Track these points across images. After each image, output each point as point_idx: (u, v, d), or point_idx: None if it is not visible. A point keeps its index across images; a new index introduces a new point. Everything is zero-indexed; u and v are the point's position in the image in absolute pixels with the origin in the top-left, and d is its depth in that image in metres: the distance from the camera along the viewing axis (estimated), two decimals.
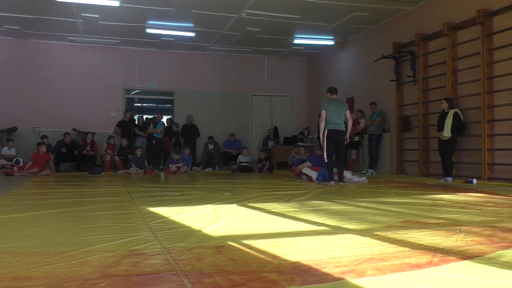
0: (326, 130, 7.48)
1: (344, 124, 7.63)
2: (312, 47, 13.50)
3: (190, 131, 13.36)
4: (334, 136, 7.47)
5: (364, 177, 8.22)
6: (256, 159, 12.89)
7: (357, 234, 3.03)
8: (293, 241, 2.84)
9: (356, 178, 8.06)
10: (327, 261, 2.29)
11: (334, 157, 7.62)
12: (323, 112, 7.52)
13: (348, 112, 7.70)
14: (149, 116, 14.00)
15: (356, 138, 11.25)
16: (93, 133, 12.27)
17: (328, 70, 13.76)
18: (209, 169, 12.84)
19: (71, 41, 12.66)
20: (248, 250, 2.58)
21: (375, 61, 10.77)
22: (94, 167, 11.45)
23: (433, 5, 9.32)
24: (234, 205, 4.72)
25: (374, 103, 10.64)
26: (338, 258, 2.35)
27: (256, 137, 14.68)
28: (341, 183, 7.49)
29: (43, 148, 10.73)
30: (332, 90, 7.83)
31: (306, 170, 8.56)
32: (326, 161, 7.54)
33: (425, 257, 2.37)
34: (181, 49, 13.64)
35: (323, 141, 7.51)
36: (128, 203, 5.03)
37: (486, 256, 2.40)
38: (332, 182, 7.42)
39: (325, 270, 2.13)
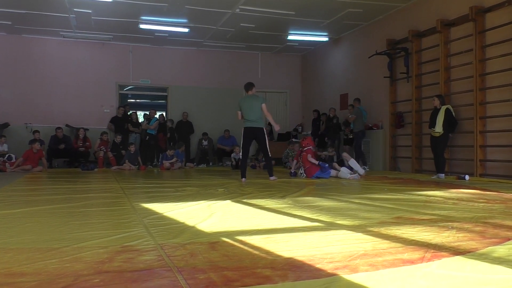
0: (243, 128, 7.53)
1: (261, 120, 7.59)
2: (306, 43, 13.49)
3: (185, 128, 13.33)
4: (250, 133, 7.51)
5: (356, 174, 8.23)
6: (251, 155, 12.83)
7: (351, 230, 3.04)
8: (286, 237, 2.85)
9: (348, 174, 8.07)
10: (321, 257, 2.30)
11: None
12: (238, 113, 7.58)
13: (263, 106, 7.57)
14: (142, 112, 13.93)
15: (350, 135, 11.29)
16: (85, 129, 12.20)
17: (322, 67, 13.76)
18: (203, 166, 12.82)
19: (64, 37, 12.56)
20: (242, 246, 2.58)
21: (368, 57, 10.79)
22: (87, 163, 11.39)
23: (427, 2, 9.35)
24: (228, 201, 4.72)
25: (357, 99, 10.80)
26: (331, 254, 2.36)
27: None
28: (271, 178, 7.52)
29: (36, 146, 10.64)
30: (247, 87, 7.73)
31: (310, 159, 8.41)
32: (241, 157, 7.62)
33: (417, 253, 2.38)
34: (175, 45, 13.58)
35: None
36: (122, 199, 5.01)
37: (478, 251, 2.42)
38: (244, 179, 7.40)
39: (318, 266, 2.13)
